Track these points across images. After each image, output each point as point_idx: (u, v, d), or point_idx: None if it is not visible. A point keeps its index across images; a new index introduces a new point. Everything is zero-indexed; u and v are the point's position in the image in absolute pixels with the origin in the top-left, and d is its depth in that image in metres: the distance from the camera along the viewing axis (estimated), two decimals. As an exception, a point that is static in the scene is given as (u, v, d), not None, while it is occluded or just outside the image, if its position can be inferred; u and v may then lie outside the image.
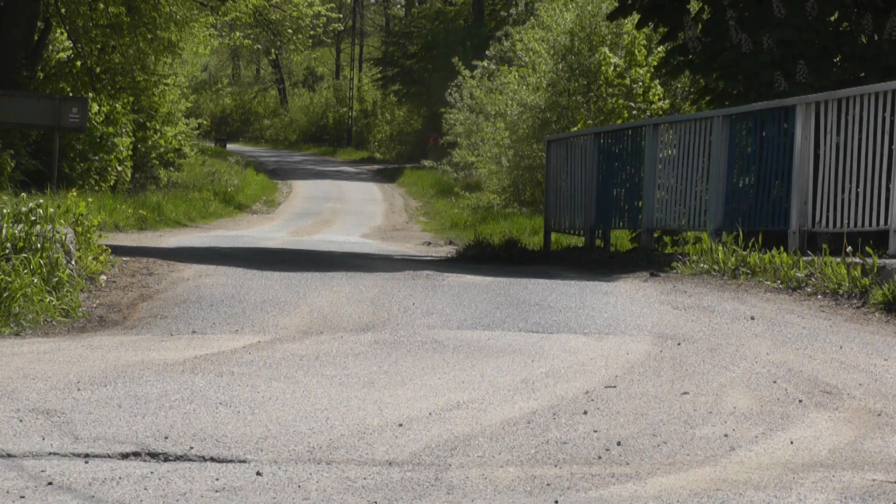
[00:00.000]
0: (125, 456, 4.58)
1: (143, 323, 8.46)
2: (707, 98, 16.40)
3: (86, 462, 4.48)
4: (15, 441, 4.70)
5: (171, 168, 35.38)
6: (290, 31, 32.62)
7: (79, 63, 27.35)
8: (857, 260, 10.21)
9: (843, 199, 11.67)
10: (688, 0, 16.44)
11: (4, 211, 9.54)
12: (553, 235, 19.37)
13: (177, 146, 35.33)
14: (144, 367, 6.45)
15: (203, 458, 4.57)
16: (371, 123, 67.73)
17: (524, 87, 32.14)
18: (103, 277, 10.50)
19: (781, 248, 11.63)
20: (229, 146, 60.23)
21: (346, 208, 36.64)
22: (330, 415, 5.33)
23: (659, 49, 20.92)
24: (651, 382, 6.32)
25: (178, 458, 4.56)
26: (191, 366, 6.55)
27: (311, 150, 68.87)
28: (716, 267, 11.98)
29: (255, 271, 11.58)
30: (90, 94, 26.23)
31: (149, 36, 27.58)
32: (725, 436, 5.17)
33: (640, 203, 15.79)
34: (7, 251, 8.80)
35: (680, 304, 9.68)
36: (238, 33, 33.42)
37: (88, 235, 10.78)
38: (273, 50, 37.50)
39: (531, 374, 6.50)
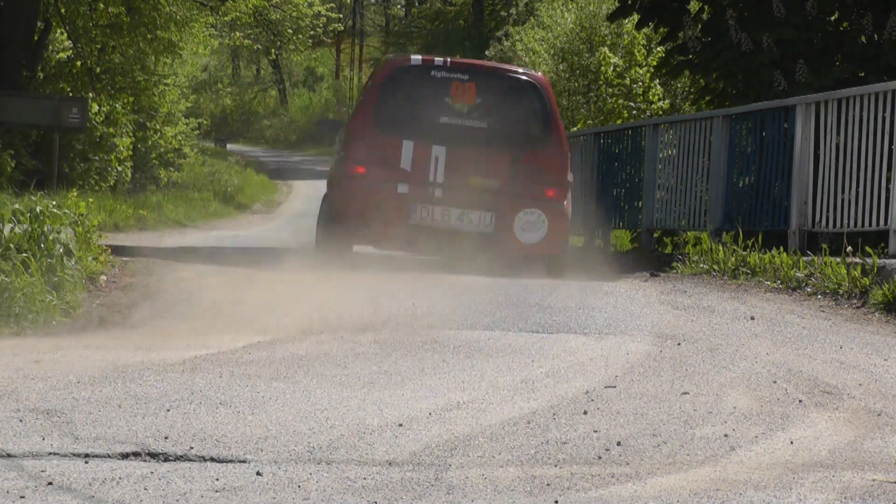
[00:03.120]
0: (125, 456, 4.58)
1: (143, 323, 8.46)
2: (707, 98, 16.41)
3: (86, 462, 4.48)
4: (15, 441, 4.71)
5: (171, 168, 35.39)
6: (290, 31, 32.62)
7: (79, 63, 27.35)
8: (857, 260, 10.21)
9: (843, 199, 11.67)
10: (688, 0, 16.44)
11: (5, 211, 9.55)
12: (553, 235, 19.35)
13: (177, 146, 35.34)
14: (144, 367, 6.45)
15: (203, 458, 4.57)
16: (371, 123, 67.57)
17: (524, 87, 32.10)
18: (103, 277, 10.50)
19: (781, 248, 11.64)
20: (229, 146, 60.21)
21: (346, 208, 36.55)
22: (330, 415, 5.33)
23: (659, 49, 20.94)
24: (651, 382, 6.33)
25: (178, 458, 4.56)
26: (191, 366, 6.55)
27: (311, 150, 68.84)
28: (716, 267, 11.99)
29: (255, 271, 11.58)
30: (90, 94, 26.23)
31: (149, 36, 27.59)
32: (725, 436, 5.18)
33: (640, 203, 15.79)
34: (7, 251, 8.81)
35: (680, 304, 9.68)
36: (238, 33, 33.43)
37: (88, 235, 10.79)
38: (273, 50, 37.49)
39: (531, 374, 6.50)
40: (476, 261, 11.33)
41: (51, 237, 9.30)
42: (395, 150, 10.91)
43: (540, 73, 12.49)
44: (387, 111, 11.18)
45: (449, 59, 11.62)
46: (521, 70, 12.49)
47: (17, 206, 9.75)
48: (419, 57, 11.60)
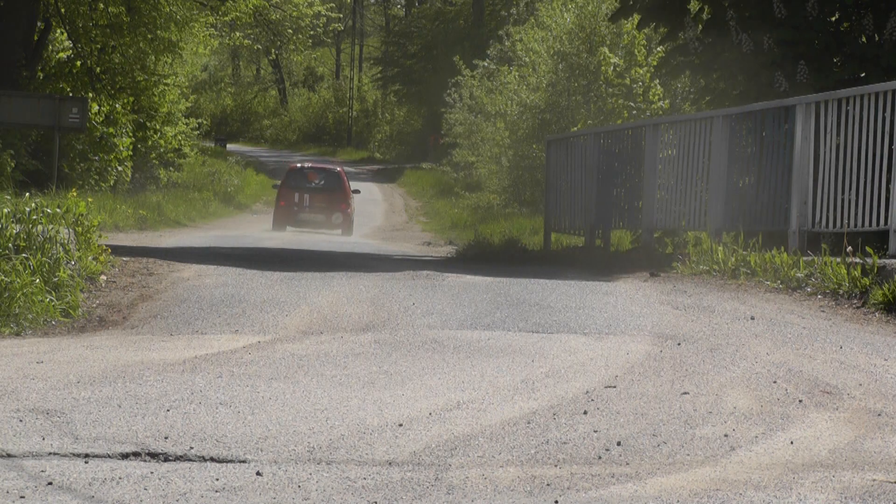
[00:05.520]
0: (125, 456, 4.58)
1: (143, 323, 8.46)
2: (707, 98, 16.40)
3: (86, 462, 4.48)
4: (15, 441, 4.71)
5: (171, 168, 35.39)
6: (290, 31, 32.61)
7: (79, 63, 27.34)
8: (857, 260, 10.20)
9: (843, 200, 11.67)
10: (688, 0, 16.43)
11: (5, 211, 9.54)
12: (553, 235, 19.38)
13: (177, 146, 35.34)
14: (144, 367, 6.45)
15: (203, 458, 4.57)
16: (371, 123, 67.73)
17: (524, 87, 32.15)
18: (103, 277, 10.50)
19: (781, 248, 11.63)
20: (229, 146, 60.24)
21: (346, 208, 36.63)
22: (330, 415, 5.34)
23: (659, 49, 20.92)
24: (651, 382, 6.33)
25: (178, 458, 4.56)
26: (191, 366, 6.55)
27: (311, 150, 68.84)
28: (716, 267, 11.99)
29: (255, 271, 11.58)
30: (90, 94, 26.23)
31: (149, 36, 27.59)
32: (725, 436, 5.18)
33: (640, 203, 15.79)
34: (7, 251, 8.80)
35: (680, 304, 9.68)
36: (238, 33, 33.42)
37: (88, 235, 10.78)
38: (273, 50, 37.48)
39: (531, 374, 6.50)
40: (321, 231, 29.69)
41: (50, 237, 9.29)
42: (291, 196, 31.95)
43: (339, 167, 35.98)
44: (289, 183, 32.41)
45: (309, 163, 39.14)
46: (332, 166, 36.43)
47: (6, 208, 9.72)
48: (299, 164, 36.03)
